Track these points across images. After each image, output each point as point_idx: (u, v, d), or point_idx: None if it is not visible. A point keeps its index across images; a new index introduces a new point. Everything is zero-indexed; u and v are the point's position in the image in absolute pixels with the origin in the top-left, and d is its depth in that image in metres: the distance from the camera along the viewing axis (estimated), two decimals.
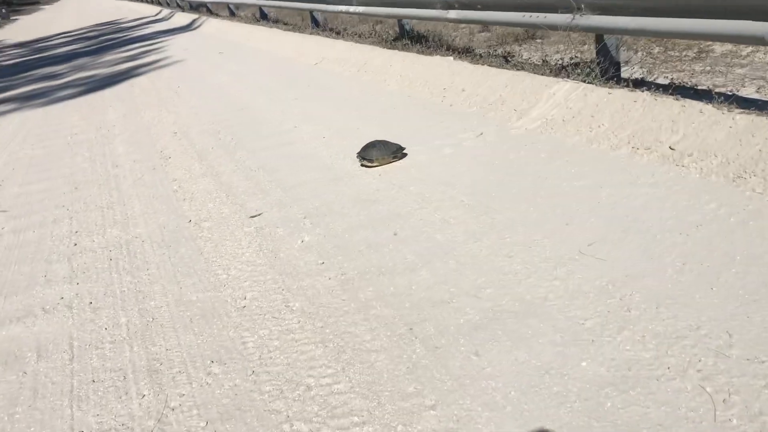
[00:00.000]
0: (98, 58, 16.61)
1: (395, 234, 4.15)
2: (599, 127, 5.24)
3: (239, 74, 11.17)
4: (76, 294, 4.01)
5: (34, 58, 19.23)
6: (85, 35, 24.45)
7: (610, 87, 5.65)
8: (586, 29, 6.16)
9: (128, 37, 21.06)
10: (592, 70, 6.21)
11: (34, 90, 12.91)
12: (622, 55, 6.55)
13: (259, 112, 8.18)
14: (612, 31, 5.89)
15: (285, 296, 3.60)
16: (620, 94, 5.40)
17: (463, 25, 10.09)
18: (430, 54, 8.87)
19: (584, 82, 6.02)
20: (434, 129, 6.34)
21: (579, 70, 6.35)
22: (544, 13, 6.57)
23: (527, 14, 6.82)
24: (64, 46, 21.98)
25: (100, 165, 6.91)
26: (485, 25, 8.75)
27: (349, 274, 3.75)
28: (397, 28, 10.57)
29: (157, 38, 19.40)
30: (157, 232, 4.81)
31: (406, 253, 3.88)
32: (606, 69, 6.28)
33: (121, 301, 3.84)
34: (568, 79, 6.09)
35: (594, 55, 6.82)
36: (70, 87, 12.60)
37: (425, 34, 10.35)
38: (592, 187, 4.37)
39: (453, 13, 8.28)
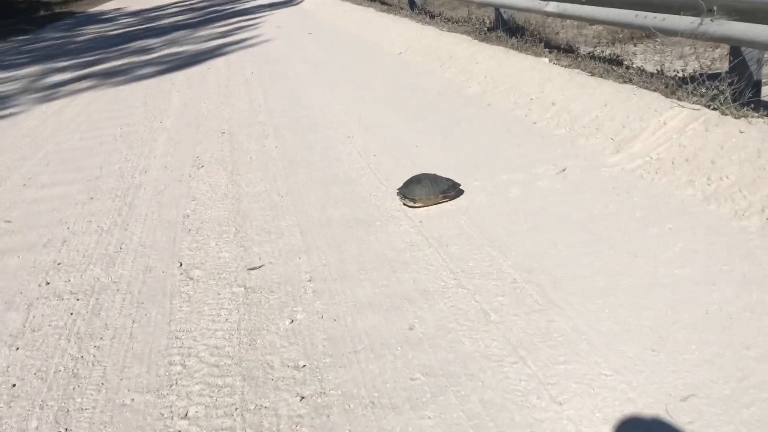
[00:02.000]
0: (194, 32, 16.19)
1: (411, 328, 2.99)
2: (722, 180, 3.80)
3: (317, 62, 10.23)
4: (6, 368, 3.13)
5: (139, 29, 19.12)
6: (195, 5, 24.34)
7: (744, 118, 4.14)
8: (718, 39, 4.64)
9: (231, 9, 20.66)
10: (721, 92, 4.67)
11: (120, 66, 12.54)
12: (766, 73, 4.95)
13: (320, 113, 7.22)
14: (753, 44, 4.34)
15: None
16: (757, 132, 3.91)
17: None
18: (524, 51, 7.47)
19: (708, 107, 4.52)
20: (507, 155, 5.08)
21: (703, 89, 4.82)
22: (662, 14, 5.07)
23: (641, 14, 5.34)
24: (172, 16, 21.88)
25: (131, 168, 6.14)
26: (588, 22, 7.22)
27: (328, 395, 2.65)
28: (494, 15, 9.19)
29: (257, 13, 18.85)
30: (139, 277, 3.91)
31: (415, 368, 2.73)
32: (741, 91, 4.73)
33: (46, 390, 2.94)
34: (686, 103, 4.60)
35: (726, 69, 5.25)
36: (153, 65, 12.13)
37: (524, 25, 8.91)
38: (701, 281, 3.04)
39: (552, 5, 6.88)
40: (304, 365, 2.91)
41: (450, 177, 4.58)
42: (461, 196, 4.46)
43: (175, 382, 2.93)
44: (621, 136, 4.87)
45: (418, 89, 7.61)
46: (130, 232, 4.67)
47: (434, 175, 4.44)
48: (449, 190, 4.34)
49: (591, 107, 5.43)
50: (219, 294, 3.65)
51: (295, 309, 3.38)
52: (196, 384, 2.90)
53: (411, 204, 4.35)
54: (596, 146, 4.94)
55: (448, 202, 4.40)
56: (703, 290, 3.02)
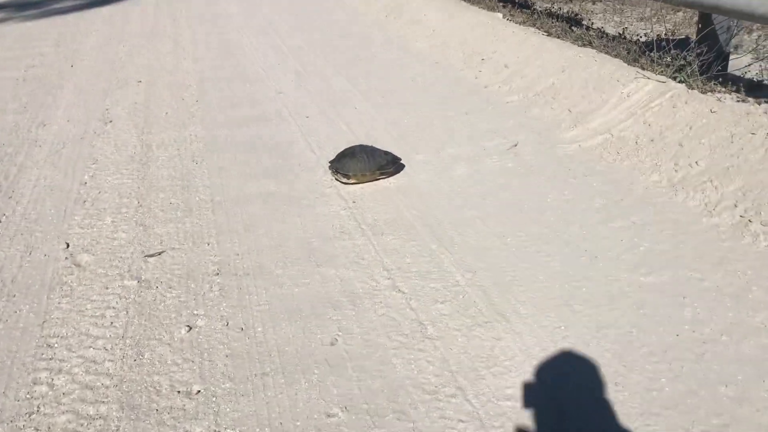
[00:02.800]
0: None
1: (333, 344, 2.46)
2: (691, 166, 3.35)
3: (252, 2, 9.31)
4: None
5: None
6: None
7: (712, 93, 3.68)
8: (689, 4, 4.13)
9: None
10: (689, 63, 4.20)
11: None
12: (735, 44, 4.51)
13: (249, 62, 6.50)
14: (729, 12, 3.86)
15: None
16: (729, 114, 3.45)
17: None
18: (477, 4, 6.85)
19: (674, 79, 4.04)
20: (454, 123, 4.53)
21: (669, 58, 4.35)
22: None
23: None
24: None
25: (28, 121, 5.31)
26: None
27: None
28: None
29: None
30: (16, 261, 3.34)
31: (334, 399, 2.24)
32: (710, 63, 4.27)
33: None
34: (650, 74, 4.11)
35: (695, 36, 4.80)
36: None
37: None
38: (669, 293, 2.64)
39: None
40: (199, 391, 2.35)
41: (389, 147, 4.02)
42: (401, 172, 3.87)
43: (36, 409, 2.33)
44: (579, 107, 4.37)
45: (363, 38, 6.92)
46: (15, 201, 3.95)
47: (371, 147, 3.86)
48: (387, 165, 3.77)
49: (547, 72, 4.90)
50: (107, 288, 3.03)
51: (195, 312, 2.80)
52: (63, 413, 2.30)
53: (344, 180, 3.78)
54: (552, 118, 4.43)
55: (387, 178, 3.82)
56: (673, 304, 2.58)
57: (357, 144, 3.93)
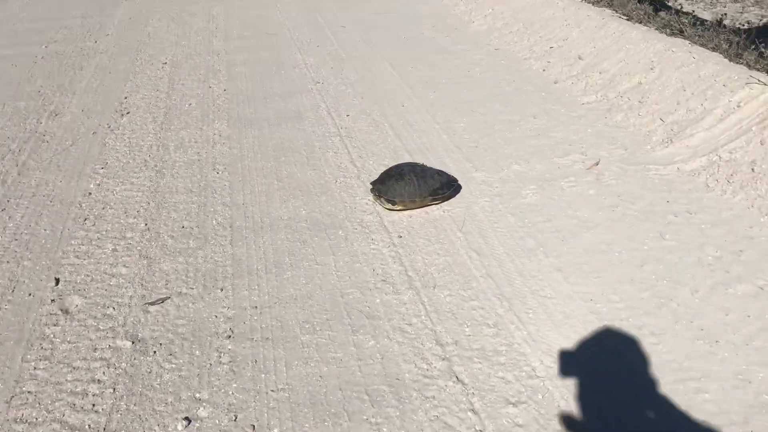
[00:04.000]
0: None
1: None
2: None
3: None
4: None
5: None
6: None
7: None
8: None
9: None
10: None
11: None
12: None
13: (286, 46, 5.72)
14: None
15: None
16: None
17: None
18: None
19: None
20: (519, 130, 3.81)
21: None
22: None
23: None
24: None
25: (39, 108, 4.80)
26: None
27: None
28: None
29: None
30: None
31: None
32: None
33: None
34: (764, 75, 3.29)
35: None
36: None
37: None
38: None
39: None
40: None
41: (442, 158, 3.34)
42: (456, 197, 3.17)
43: None
44: (674, 116, 3.57)
45: (407, 18, 6.13)
46: (8, 215, 3.38)
47: (422, 166, 3.16)
48: (441, 189, 3.08)
49: (631, 69, 4.09)
50: (95, 349, 2.43)
51: (198, 395, 2.19)
52: None
53: (389, 207, 3.08)
54: (639, 128, 3.66)
55: (439, 203, 3.12)
56: None
57: (405, 162, 3.22)
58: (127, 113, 4.59)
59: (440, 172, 3.20)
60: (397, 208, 3.15)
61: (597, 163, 3.41)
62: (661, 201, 3.04)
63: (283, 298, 2.66)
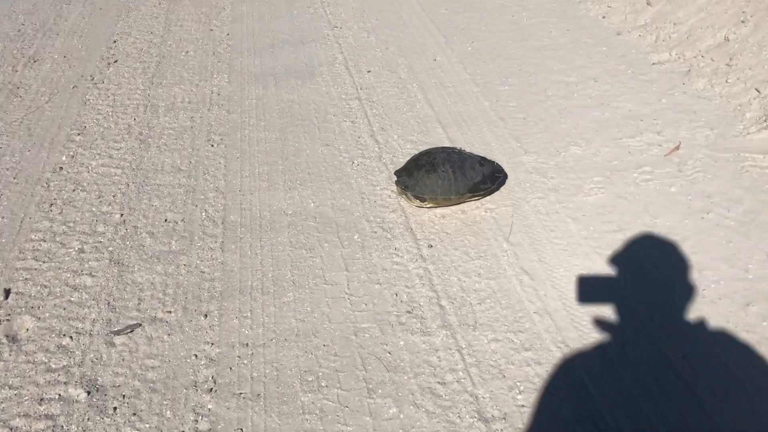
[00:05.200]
0: None
1: None
2: None
3: None
4: None
5: None
6: None
7: None
8: None
9: None
10: None
11: None
12: None
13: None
14: None
15: None
16: None
17: None
18: None
19: None
20: (577, 98, 3.12)
21: None
22: None
23: None
24: None
25: (17, 53, 4.08)
26: None
27: None
28: None
29: None
30: None
31: None
32: None
33: None
34: None
35: None
36: None
37: None
38: None
39: None
40: None
41: (482, 133, 2.72)
42: (498, 193, 2.52)
43: None
44: None
45: None
46: None
47: (459, 152, 2.51)
48: (483, 183, 2.43)
49: (716, 20, 3.34)
50: (40, 400, 1.92)
51: None
52: None
53: (418, 204, 2.44)
54: (728, 101, 2.94)
55: (479, 200, 2.47)
56: None
57: (437, 148, 2.56)
58: (115, 62, 3.92)
59: (482, 160, 2.54)
60: (428, 206, 2.50)
61: (677, 148, 2.71)
62: (764, 207, 2.36)
63: (282, 332, 2.07)
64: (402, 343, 2.02)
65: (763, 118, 2.81)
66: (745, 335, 1.93)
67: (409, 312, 2.12)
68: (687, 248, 2.24)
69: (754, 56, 3.08)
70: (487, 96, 3.27)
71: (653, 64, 3.39)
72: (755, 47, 3.11)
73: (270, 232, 2.52)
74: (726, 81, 3.08)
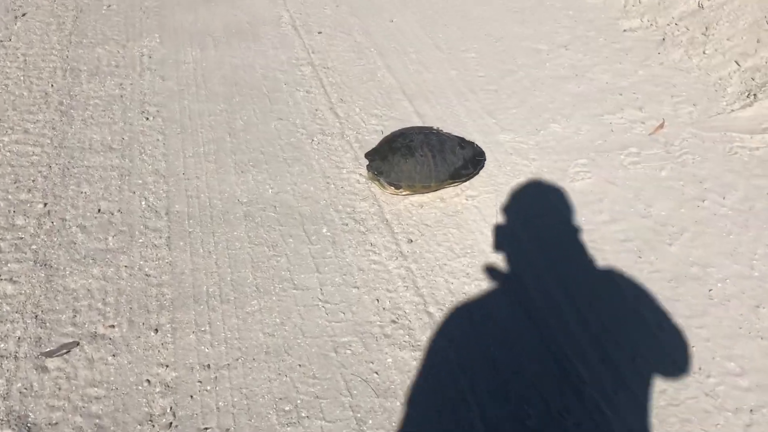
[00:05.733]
0: None
1: None
2: None
3: None
4: None
5: None
6: None
7: None
8: None
9: None
10: None
11: None
12: None
13: None
14: None
15: None
16: None
17: None
18: None
19: None
20: (551, 68, 3.02)
21: None
22: None
23: None
24: None
25: None
26: None
27: None
28: None
29: None
30: None
31: None
32: None
33: None
34: None
35: None
36: None
37: None
38: None
39: None
40: None
41: (453, 107, 2.46)
42: (477, 178, 2.29)
43: None
44: (755, 60, 2.71)
45: None
46: None
47: (437, 132, 2.27)
48: (465, 168, 2.18)
49: None
50: None
51: None
52: None
53: (393, 191, 2.17)
54: (708, 73, 2.83)
55: (459, 184, 2.23)
56: None
57: (413, 127, 2.29)
58: (23, 15, 3.41)
59: (462, 142, 2.28)
60: (403, 193, 2.23)
61: (662, 126, 2.53)
62: (760, 194, 2.21)
63: (249, 350, 1.77)
64: (390, 360, 1.77)
65: (745, 93, 2.66)
66: (762, 346, 1.78)
67: (394, 322, 1.87)
68: (687, 242, 2.06)
69: (731, 25, 2.91)
70: (452, 64, 2.99)
71: (624, 31, 3.18)
72: (731, 16, 2.95)
73: (224, 224, 2.19)
74: (703, 52, 2.91)
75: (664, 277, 1.98)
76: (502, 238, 2.10)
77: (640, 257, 2.04)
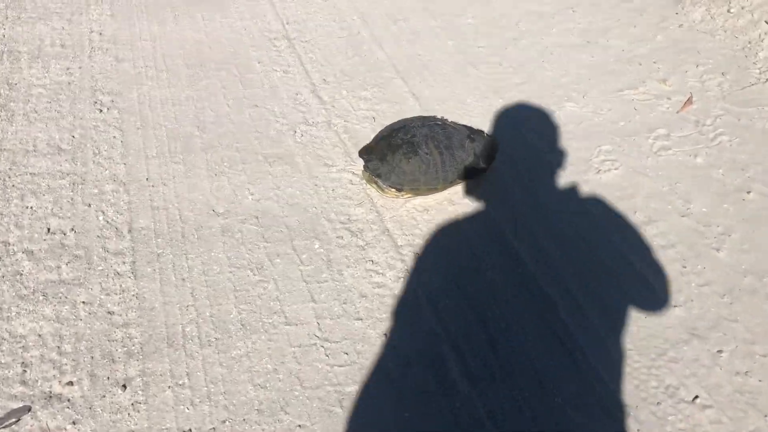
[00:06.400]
0: None
1: None
2: None
3: None
4: None
5: None
6: None
7: None
8: None
9: None
10: None
11: None
12: None
13: None
14: None
15: None
16: None
17: None
18: None
19: None
20: (557, 34, 2.73)
21: None
22: None
23: None
24: None
25: None
26: None
27: None
28: None
29: None
30: None
31: None
32: None
33: None
34: None
35: None
36: None
37: None
38: None
39: None
40: None
41: (454, 87, 2.11)
42: (487, 179, 1.98)
43: None
44: None
45: None
46: None
47: (442, 123, 1.93)
48: (477, 165, 1.86)
49: None
50: None
51: None
52: None
53: (393, 194, 1.85)
54: (734, 35, 2.54)
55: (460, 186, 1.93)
56: None
57: (414, 118, 1.95)
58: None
59: (472, 133, 1.95)
60: (405, 196, 1.90)
61: (690, 101, 2.22)
62: None
63: (238, 407, 1.47)
64: (407, 414, 1.47)
65: None
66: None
67: (407, 364, 1.56)
68: (736, 245, 1.78)
69: None
70: (448, 32, 2.63)
71: None
72: None
73: (198, 243, 1.85)
74: (728, 11, 2.58)
75: (716, 291, 1.69)
76: (526, 253, 1.80)
77: (685, 267, 1.75)
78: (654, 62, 2.45)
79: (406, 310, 1.69)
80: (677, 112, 2.24)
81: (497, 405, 1.49)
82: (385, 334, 1.63)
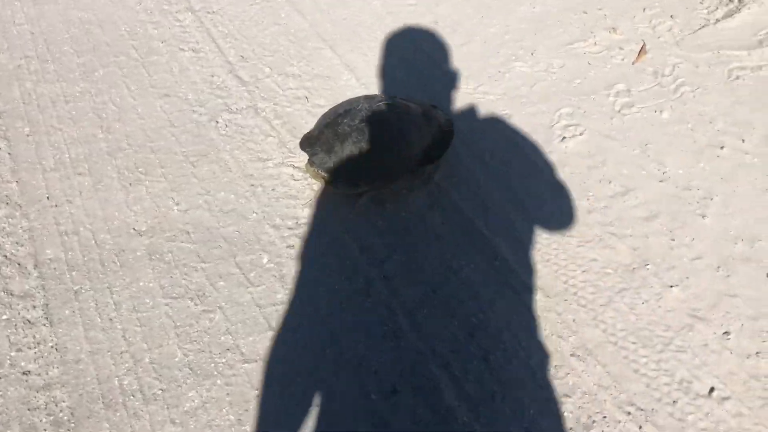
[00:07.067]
0: None
1: None
2: None
3: None
4: None
5: None
6: None
7: None
8: None
9: None
10: None
11: None
12: None
13: None
14: None
15: None
16: None
17: None
18: None
19: None
20: None
21: None
22: None
23: None
24: None
25: None
26: None
27: None
28: None
29: None
30: None
31: None
32: None
33: None
34: None
35: None
36: None
37: None
38: None
39: None
40: None
41: (391, 64, 1.86)
42: (440, 173, 1.78)
43: None
44: None
45: None
46: None
47: (391, 101, 1.68)
48: (434, 149, 1.64)
49: None
50: None
51: None
52: None
53: (345, 190, 1.61)
54: None
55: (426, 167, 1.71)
56: None
57: (359, 98, 1.71)
58: None
59: (425, 111, 1.70)
60: (360, 190, 1.66)
61: (644, 50, 2.07)
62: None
63: None
64: None
65: None
66: None
67: (394, 392, 1.35)
68: (720, 209, 1.65)
69: None
70: None
71: None
72: None
73: (122, 271, 1.55)
74: None
75: (710, 264, 1.56)
76: (507, 244, 1.60)
77: (673, 240, 1.60)
78: (599, 9, 2.26)
79: (380, 327, 1.46)
80: (633, 63, 2.07)
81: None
82: (361, 363, 1.40)
